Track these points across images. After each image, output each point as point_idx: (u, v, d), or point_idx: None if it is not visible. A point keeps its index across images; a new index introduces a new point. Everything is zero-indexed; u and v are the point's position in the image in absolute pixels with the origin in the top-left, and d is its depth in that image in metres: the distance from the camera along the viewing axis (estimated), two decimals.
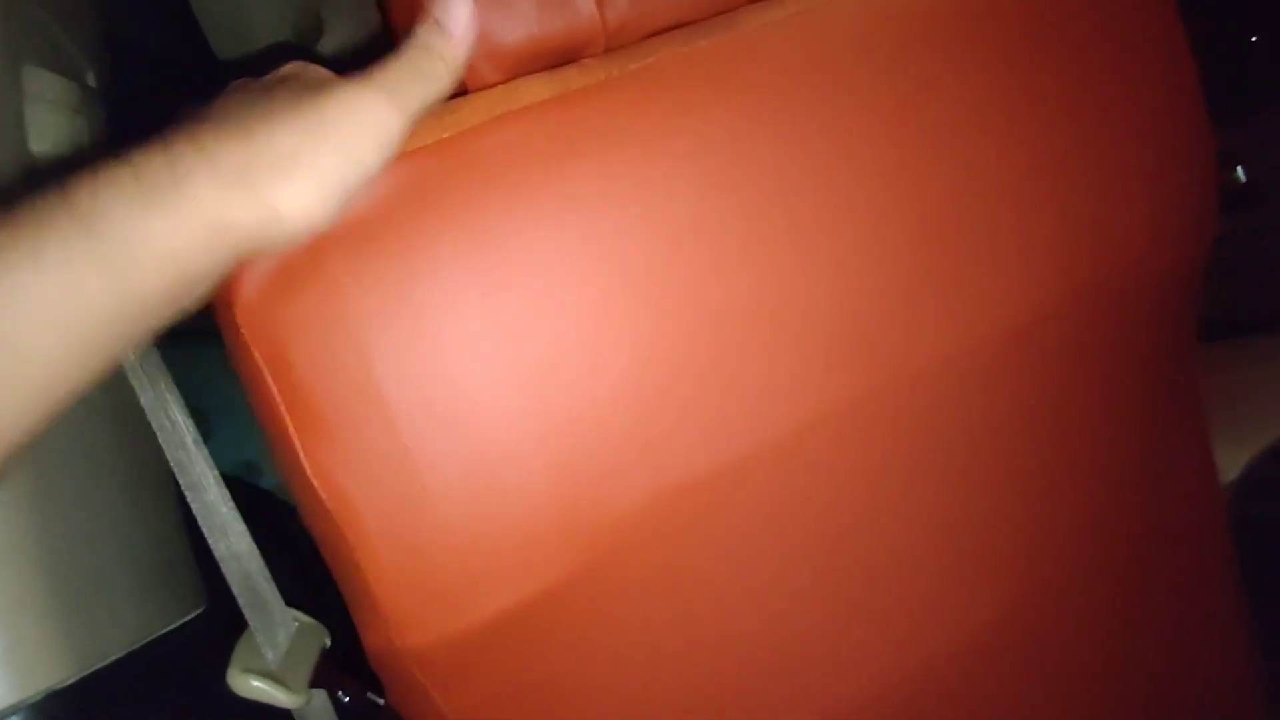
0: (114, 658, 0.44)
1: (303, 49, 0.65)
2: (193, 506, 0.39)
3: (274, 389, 0.30)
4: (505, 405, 0.31)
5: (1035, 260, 0.39)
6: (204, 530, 0.39)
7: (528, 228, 0.31)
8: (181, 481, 0.38)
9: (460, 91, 0.32)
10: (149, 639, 0.47)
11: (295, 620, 0.43)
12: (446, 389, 0.31)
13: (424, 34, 0.29)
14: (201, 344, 0.38)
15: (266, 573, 0.40)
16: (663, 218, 0.32)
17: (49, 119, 0.45)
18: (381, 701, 0.42)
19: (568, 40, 0.33)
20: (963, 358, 0.39)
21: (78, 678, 0.42)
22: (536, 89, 0.32)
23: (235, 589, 0.40)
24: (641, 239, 0.32)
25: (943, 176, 0.37)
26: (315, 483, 0.31)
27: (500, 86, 0.32)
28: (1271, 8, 0.88)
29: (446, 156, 0.31)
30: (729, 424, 0.34)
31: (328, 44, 0.68)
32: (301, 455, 0.31)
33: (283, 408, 0.30)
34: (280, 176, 0.26)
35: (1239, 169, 0.78)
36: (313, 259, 0.29)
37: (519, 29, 0.32)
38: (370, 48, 0.65)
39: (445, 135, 0.31)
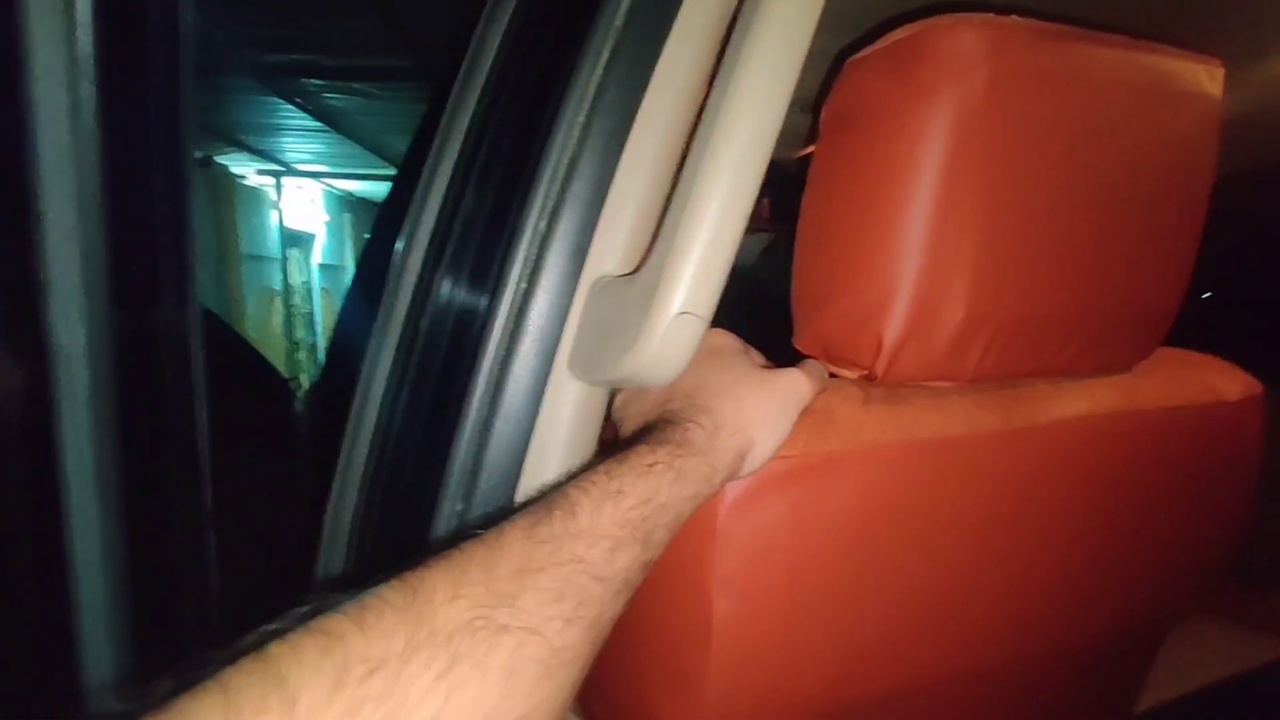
0: None
1: None
2: None
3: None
4: (826, 627, 0.49)
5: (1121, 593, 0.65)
6: None
7: (865, 549, 0.48)
8: None
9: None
10: None
11: None
12: (811, 613, 0.49)
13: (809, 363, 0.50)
14: None
15: None
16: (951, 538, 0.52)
17: None
18: None
19: (941, 369, 0.50)
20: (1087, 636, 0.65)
21: None
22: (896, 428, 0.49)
23: None
24: (929, 549, 0.51)
25: (1098, 545, 0.59)
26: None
27: (874, 423, 0.48)
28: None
29: (821, 469, 0.46)
30: (932, 654, 0.55)
31: None
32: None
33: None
34: (761, 434, 0.43)
35: None
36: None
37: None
38: None
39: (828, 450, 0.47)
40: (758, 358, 0.50)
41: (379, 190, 7.56)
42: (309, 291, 7.43)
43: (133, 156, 0.35)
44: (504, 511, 0.36)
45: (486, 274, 0.44)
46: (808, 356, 0.54)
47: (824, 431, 0.46)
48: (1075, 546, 0.58)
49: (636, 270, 0.42)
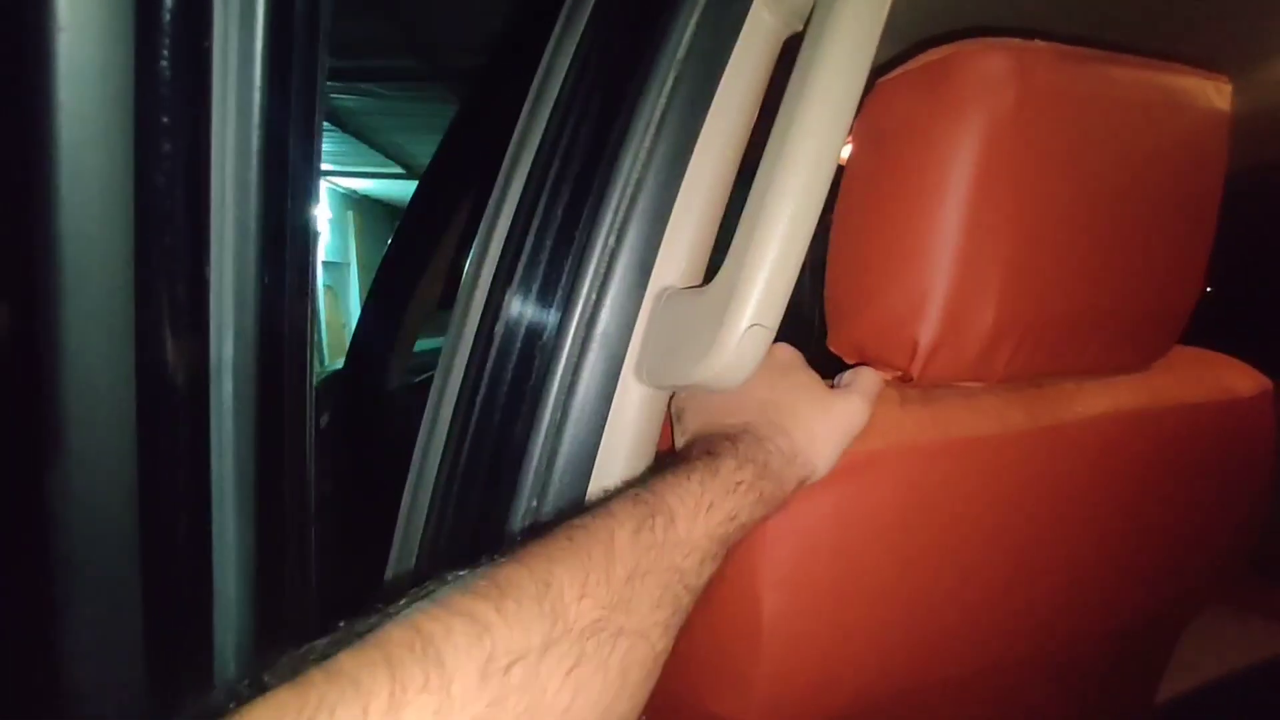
0: None
1: None
2: None
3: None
4: (869, 619, 0.52)
5: (1145, 585, 0.68)
6: None
7: (904, 550, 0.52)
8: None
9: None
10: None
11: None
12: (854, 606, 0.52)
13: (866, 381, 0.50)
14: None
15: None
16: (979, 533, 0.55)
17: None
18: None
19: (972, 370, 0.53)
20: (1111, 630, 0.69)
21: None
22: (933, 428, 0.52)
23: None
24: (964, 543, 0.54)
25: (1122, 538, 0.63)
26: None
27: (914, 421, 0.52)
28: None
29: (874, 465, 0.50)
30: (967, 643, 0.58)
31: None
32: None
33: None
34: (824, 461, 0.46)
35: None
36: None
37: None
38: None
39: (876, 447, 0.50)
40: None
41: (383, 188, 7.57)
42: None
43: (281, 191, 0.39)
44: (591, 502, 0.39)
45: (558, 285, 0.47)
46: (843, 360, 0.58)
47: (865, 431, 0.49)
48: (1100, 540, 0.61)
49: (705, 284, 0.45)
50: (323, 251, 7.58)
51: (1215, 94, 0.58)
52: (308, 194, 0.41)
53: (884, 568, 0.51)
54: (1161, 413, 0.61)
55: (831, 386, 0.52)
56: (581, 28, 0.52)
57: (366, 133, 5.06)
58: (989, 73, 0.48)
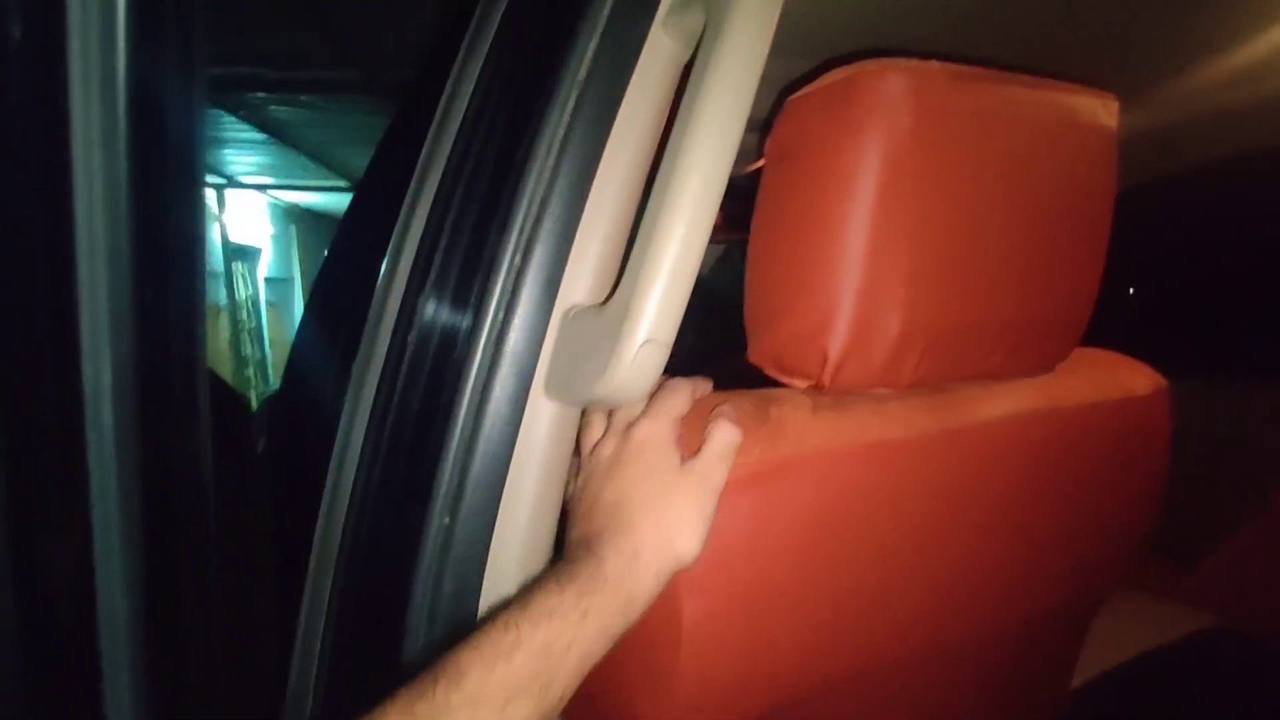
0: None
1: None
2: None
3: None
4: (786, 619, 0.54)
5: (1052, 575, 0.71)
6: None
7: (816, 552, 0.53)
8: None
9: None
10: None
11: None
12: (772, 607, 0.53)
13: (716, 440, 0.49)
14: None
15: None
16: (892, 537, 0.57)
17: None
18: None
19: (881, 377, 0.55)
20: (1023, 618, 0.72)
21: None
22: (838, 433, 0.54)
23: None
24: (876, 542, 0.56)
25: (1029, 532, 0.66)
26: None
27: (815, 422, 0.54)
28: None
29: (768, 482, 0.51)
30: (884, 639, 0.60)
31: None
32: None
33: None
34: (686, 541, 0.46)
35: None
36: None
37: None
38: None
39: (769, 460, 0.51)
40: (683, 426, 0.52)
41: (326, 202, 7.46)
42: (255, 306, 7.28)
43: (160, 198, 0.38)
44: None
45: (467, 304, 0.48)
46: (762, 370, 0.59)
47: (777, 439, 0.51)
48: (1009, 534, 0.64)
49: (605, 302, 0.46)
50: (266, 267, 7.42)
51: (1103, 111, 0.61)
52: (191, 199, 0.40)
53: (799, 568, 0.53)
54: (1063, 412, 0.64)
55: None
56: (485, 48, 0.53)
57: (307, 145, 4.99)
58: (887, 93, 0.50)
